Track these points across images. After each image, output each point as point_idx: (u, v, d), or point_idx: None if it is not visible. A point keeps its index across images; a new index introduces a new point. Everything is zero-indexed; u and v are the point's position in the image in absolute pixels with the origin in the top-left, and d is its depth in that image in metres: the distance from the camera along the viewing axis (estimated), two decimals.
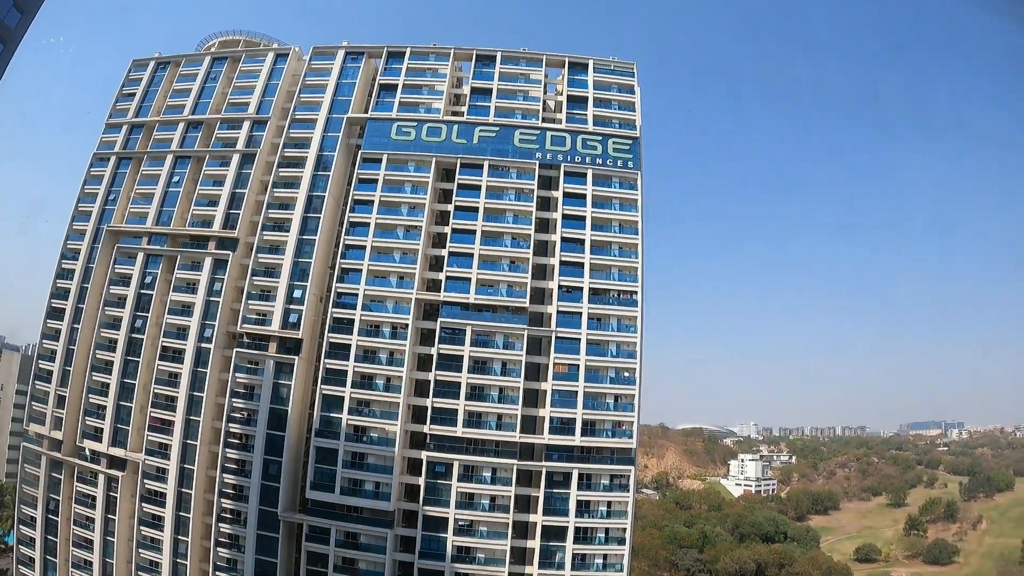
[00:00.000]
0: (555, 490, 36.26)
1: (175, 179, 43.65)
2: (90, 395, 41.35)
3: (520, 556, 35.84)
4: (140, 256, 42.41)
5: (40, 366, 43.99)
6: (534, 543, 35.73)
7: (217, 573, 37.91)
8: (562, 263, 38.72)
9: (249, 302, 39.17)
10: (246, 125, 43.85)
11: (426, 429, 36.55)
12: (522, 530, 36.16)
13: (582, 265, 38.58)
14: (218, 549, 37.84)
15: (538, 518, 35.85)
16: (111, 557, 40.26)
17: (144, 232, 42.89)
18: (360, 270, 38.59)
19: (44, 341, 44.02)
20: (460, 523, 35.80)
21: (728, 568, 71.38)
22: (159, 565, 38.71)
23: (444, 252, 38.86)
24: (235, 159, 42.85)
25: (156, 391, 40.00)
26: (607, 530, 36.11)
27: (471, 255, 38.49)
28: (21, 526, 43.70)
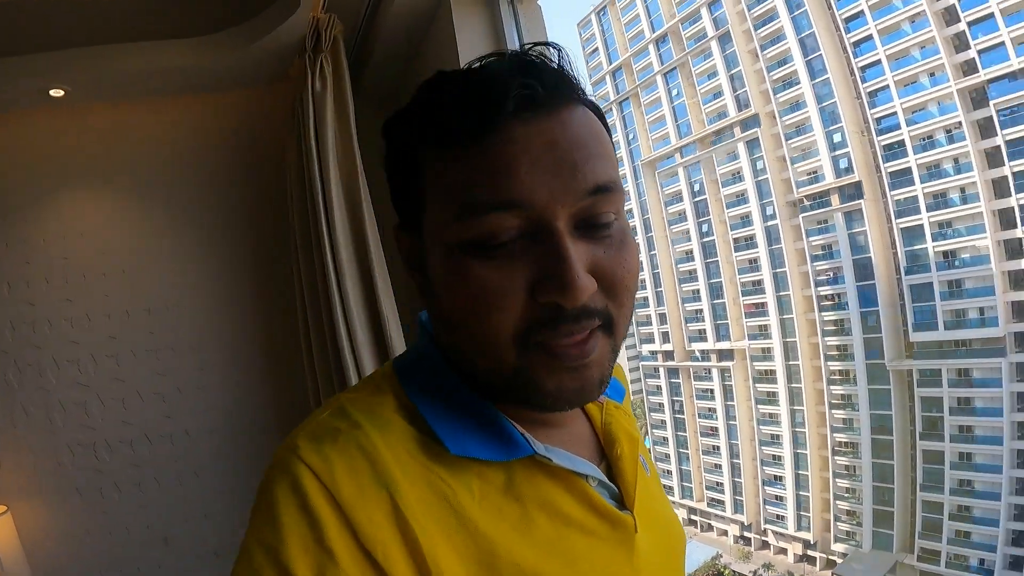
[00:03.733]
0: None
1: (674, 92, 46.06)
2: (684, 304, 44.95)
3: None
4: (681, 171, 45.00)
5: None
6: None
7: (834, 435, 37.52)
8: None
9: (794, 166, 39.03)
10: (704, 11, 44.23)
11: (1019, 233, 31.69)
12: None
13: None
14: (832, 411, 37.64)
15: None
16: (735, 438, 42.53)
17: (671, 152, 45.90)
18: (886, 86, 35.81)
19: None
20: None
21: None
22: (779, 437, 39.95)
23: (964, 25, 34.09)
24: (714, 45, 43.85)
25: (741, 280, 41.92)
26: None
27: (991, 15, 32.86)
28: (653, 430, 47.76)
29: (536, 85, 0.43)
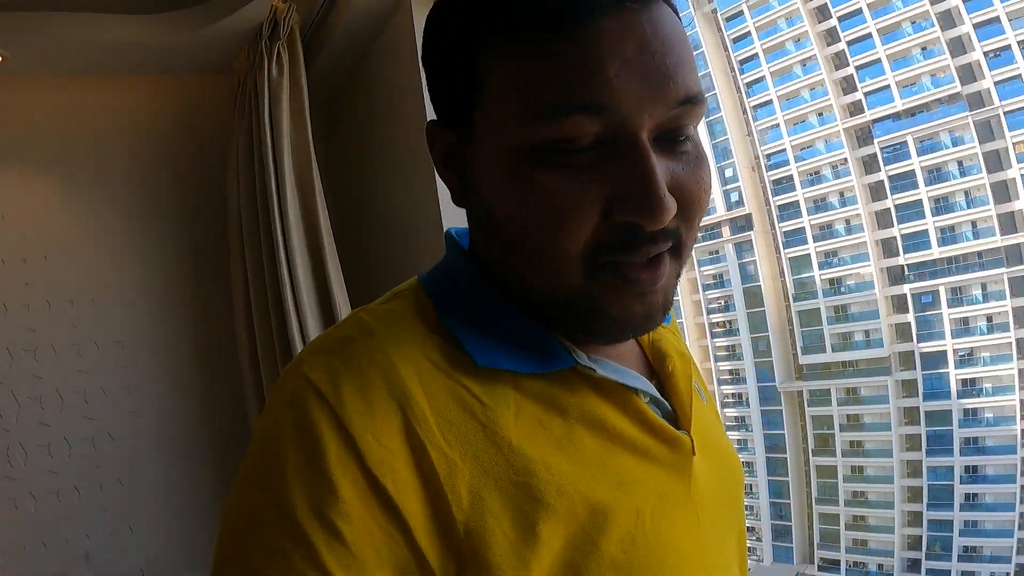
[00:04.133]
0: None
1: None
2: None
3: None
4: None
5: None
6: None
7: None
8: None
9: None
10: None
11: (901, 260, 34.44)
12: None
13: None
14: (727, 433, 39.09)
15: None
16: None
17: None
18: (777, 124, 37.95)
19: None
20: (959, 353, 32.92)
21: None
22: None
23: (851, 70, 36.63)
24: None
25: None
26: None
27: (878, 60, 35.56)
28: None
29: None
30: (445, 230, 0.50)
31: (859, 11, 37.09)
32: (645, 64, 0.37)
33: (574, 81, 0.36)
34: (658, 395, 0.47)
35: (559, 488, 0.38)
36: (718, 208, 39.26)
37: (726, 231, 38.96)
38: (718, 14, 41.30)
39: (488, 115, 0.40)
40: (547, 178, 0.38)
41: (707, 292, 39.39)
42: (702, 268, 39.47)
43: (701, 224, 0.43)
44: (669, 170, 0.39)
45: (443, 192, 1.39)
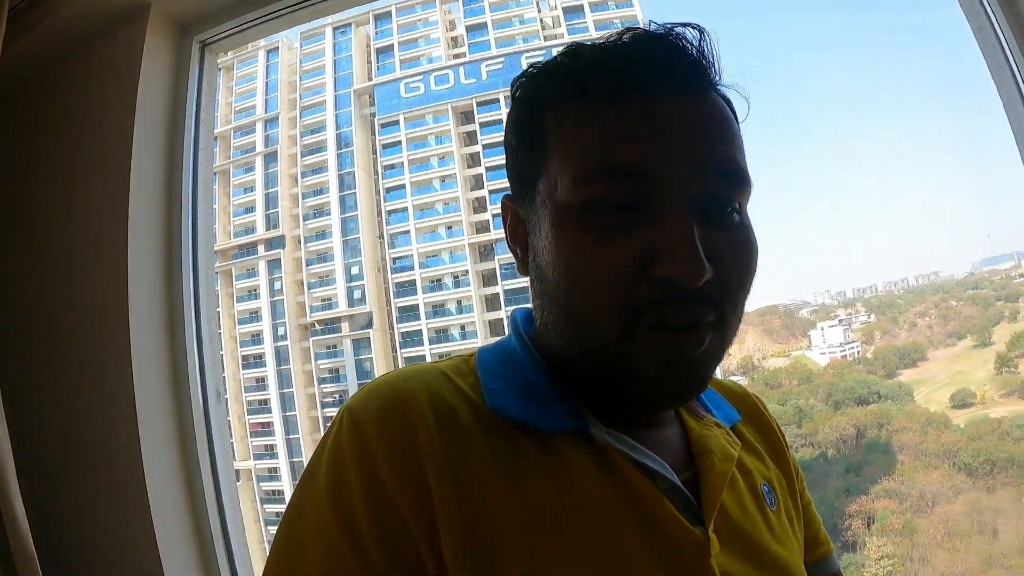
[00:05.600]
0: None
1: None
2: None
3: None
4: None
5: None
6: None
7: None
8: None
9: (311, 291, 39.67)
10: (259, 126, 44.82)
11: None
12: None
13: None
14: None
15: None
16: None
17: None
18: (408, 231, 38.69)
19: None
20: None
21: (828, 438, 67.19)
22: None
23: (485, 192, 38.61)
24: (259, 161, 43.85)
25: (248, 399, 40.69)
26: None
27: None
28: None
29: (679, 64, 0.41)
30: (512, 313, 0.53)
31: (501, 142, 38.94)
32: (685, 137, 0.40)
33: (620, 146, 0.40)
34: (678, 483, 0.45)
35: (510, 543, 0.39)
36: (340, 303, 38.78)
37: (346, 326, 38.52)
38: (376, 119, 41.62)
39: (547, 179, 0.43)
40: (591, 233, 0.40)
41: (322, 386, 38.30)
42: (319, 361, 38.44)
43: (743, 309, 0.43)
44: (709, 239, 0.40)
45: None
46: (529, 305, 0.51)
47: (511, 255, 0.48)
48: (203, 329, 1.32)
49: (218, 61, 1.55)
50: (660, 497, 0.43)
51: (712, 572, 0.43)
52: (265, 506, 39.39)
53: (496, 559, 0.38)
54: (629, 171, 0.39)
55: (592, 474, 0.42)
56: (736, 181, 0.42)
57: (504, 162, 0.51)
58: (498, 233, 32.15)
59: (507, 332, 0.52)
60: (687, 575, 0.42)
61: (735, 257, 0.41)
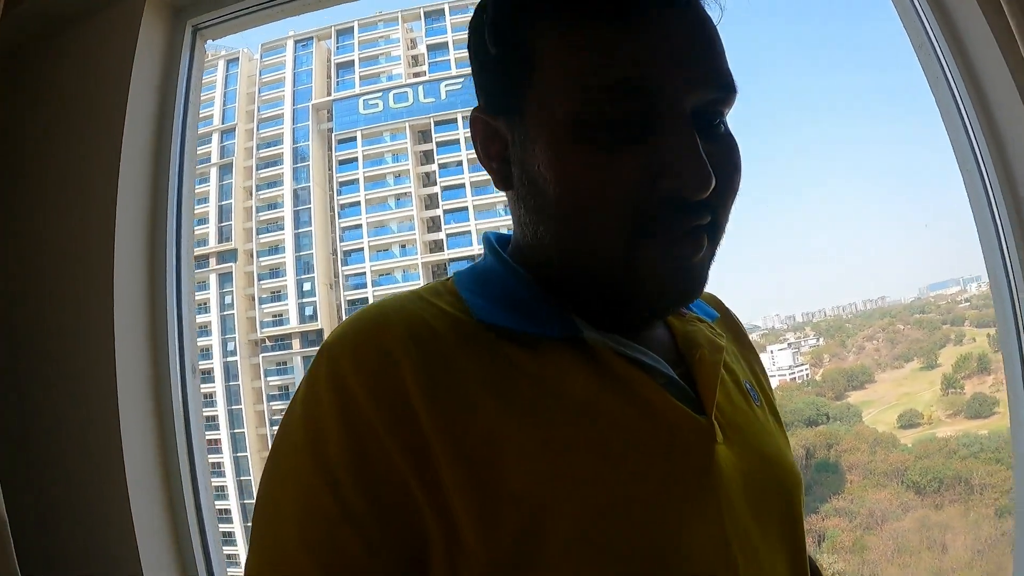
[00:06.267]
0: None
1: None
2: None
3: None
4: None
5: None
6: None
7: None
8: None
9: (262, 306, 39.08)
10: (215, 137, 44.34)
11: None
12: None
13: None
14: None
15: None
16: None
17: None
18: (361, 248, 38.49)
19: None
20: None
21: None
22: None
23: (439, 212, 38.64)
24: (213, 172, 43.30)
25: None
26: None
27: (466, 208, 38.11)
28: None
29: None
30: (484, 235, 0.52)
31: (460, 163, 39.37)
32: (691, 52, 0.41)
33: (628, 62, 0.39)
34: (675, 376, 0.45)
35: (520, 452, 0.39)
36: (292, 319, 38.29)
37: (296, 343, 37.92)
38: (333, 134, 41.42)
39: (544, 96, 0.42)
40: (600, 152, 0.40)
41: (272, 403, 37.57)
42: (268, 379, 37.73)
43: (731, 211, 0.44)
44: (707, 149, 0.40)
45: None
46: (496, 228, 0.54)
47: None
48: (183, 308, 1.39)
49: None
50: (661, 390, 0.44)
51: (718, 458, 0.43)
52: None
53: (496, 473, 0.38)
54: (634, 87, 0.39)
55: (588, 376, 0.43)
56: (730, 93, 0.42)
57: (472, 73, 0.49)
58: (453, 253, 31.98)
59: (484, 254, 0.51)
60: (696, 465, 0.43)
61: (727, 163, 0.43)
